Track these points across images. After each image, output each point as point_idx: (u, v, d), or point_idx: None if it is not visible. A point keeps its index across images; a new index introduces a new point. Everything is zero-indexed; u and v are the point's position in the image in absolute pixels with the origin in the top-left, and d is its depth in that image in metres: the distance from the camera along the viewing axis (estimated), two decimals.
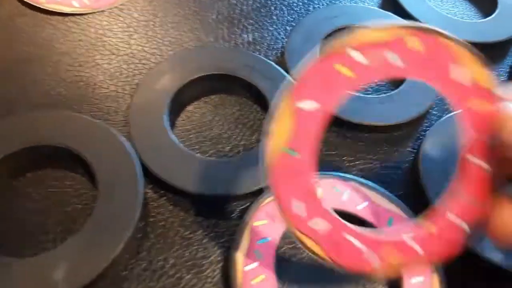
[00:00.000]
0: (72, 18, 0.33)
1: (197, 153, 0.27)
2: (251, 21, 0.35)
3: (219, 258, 0.23)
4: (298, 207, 0.18)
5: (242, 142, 0.28)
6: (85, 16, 0.33)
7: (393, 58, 0.17)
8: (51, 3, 0.33)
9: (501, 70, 0.35)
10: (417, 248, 0.18)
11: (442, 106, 0.31)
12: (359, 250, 0.18)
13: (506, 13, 0.37)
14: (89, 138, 0.25)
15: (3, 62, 0.29)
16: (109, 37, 0.32)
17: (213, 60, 0.30)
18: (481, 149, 0.17)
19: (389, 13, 0.35)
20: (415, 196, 0.26)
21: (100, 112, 0.28)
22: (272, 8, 0.36)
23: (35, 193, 0.24)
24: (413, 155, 0.29)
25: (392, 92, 0.30)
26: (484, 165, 0.17)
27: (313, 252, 0.18)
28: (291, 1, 0.37)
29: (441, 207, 0.18)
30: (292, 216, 0.18)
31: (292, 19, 0.35)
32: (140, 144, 0.25)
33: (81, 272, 0.21)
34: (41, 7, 0.32)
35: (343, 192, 0.25)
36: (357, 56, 0.17)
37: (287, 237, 0.24)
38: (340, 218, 0.18)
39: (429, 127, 0.30)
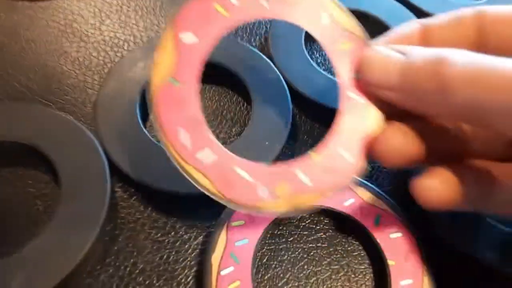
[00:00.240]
0: (40, 4, 0.30)
1: None
2: None
3: (193, 262, 0.21)
4: (185, 138, 0.18)
5: (221, 135, 0.26)
6: (54, 1, 0.30)
7: (263, 1, 0.19)
8: None
9: None
10: (306, 179, 0.18)
11: None
12: (249, 183, 0.18)
13: None
14: (52, 133, 0.23)
15: None
16: (79, 23, 0.30)
17: None
18: (358, 87, 0.19)
19: None
20: (403, 192, 0.24)
21: (67, 104, 0.26)
22: None
23: None
24: None
25: None
26: (361, 100, 0.19)
27: (204, 188, 0.18)
28: None
29: (327, 139, 0.19)
30: (179, 147, 0.18)
31: None
32: (108, 138, 0.23)
33: (41, 280, 0.19)
34: None
35: None
36: None
37: (266, 238, 0.22)
38: (228, 151, 0.18)
39: None
